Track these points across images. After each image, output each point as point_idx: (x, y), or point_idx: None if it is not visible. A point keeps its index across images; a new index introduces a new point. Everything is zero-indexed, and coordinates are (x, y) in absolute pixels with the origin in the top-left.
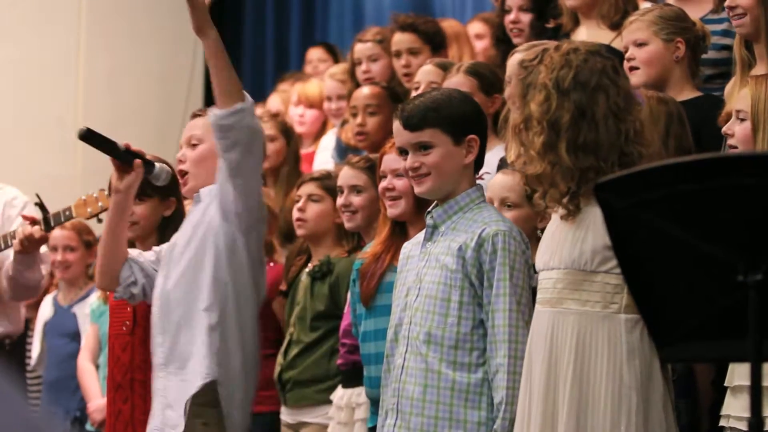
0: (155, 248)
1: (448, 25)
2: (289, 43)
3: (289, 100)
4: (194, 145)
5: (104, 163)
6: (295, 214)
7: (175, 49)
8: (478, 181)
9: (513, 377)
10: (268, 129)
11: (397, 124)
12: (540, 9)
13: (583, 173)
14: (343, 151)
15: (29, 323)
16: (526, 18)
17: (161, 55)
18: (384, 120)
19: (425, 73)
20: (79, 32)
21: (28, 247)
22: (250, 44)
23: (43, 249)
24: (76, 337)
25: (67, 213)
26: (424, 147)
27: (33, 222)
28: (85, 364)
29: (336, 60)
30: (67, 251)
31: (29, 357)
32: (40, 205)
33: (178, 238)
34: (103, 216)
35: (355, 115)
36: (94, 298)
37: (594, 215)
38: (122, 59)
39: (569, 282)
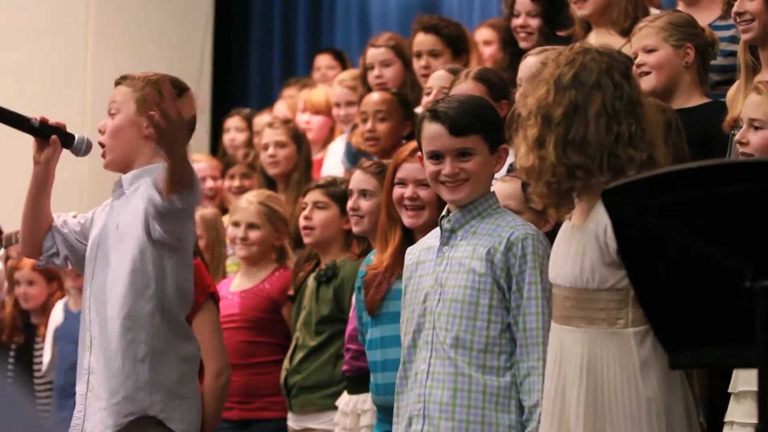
0: (80, 217)
1: None
2: (296, 49)
3: (296, 107)
4: (113, 115)
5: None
6: (302, 222)
7: (182, 55)
8: None
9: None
10: (279, 135)
11: (437, 128)
12: (548, 15)
13: (569, 170)
14: (353, 156)
15: (38, 329)
16: (534, 23)
17: (168, 62)
18: (394, 126)
19: (437, 78)
20: (87, 39)
21: None
22: (258, 50)
23: None
24: None
25: (18, 236)
26: (464, 153)
27: None
28: None
29: (344, 66)
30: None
31: (38, 363)
32: None
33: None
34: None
35: (365, 121)
36: None
37: (591, 231)
38: (129, 66)
39: (576, 300)
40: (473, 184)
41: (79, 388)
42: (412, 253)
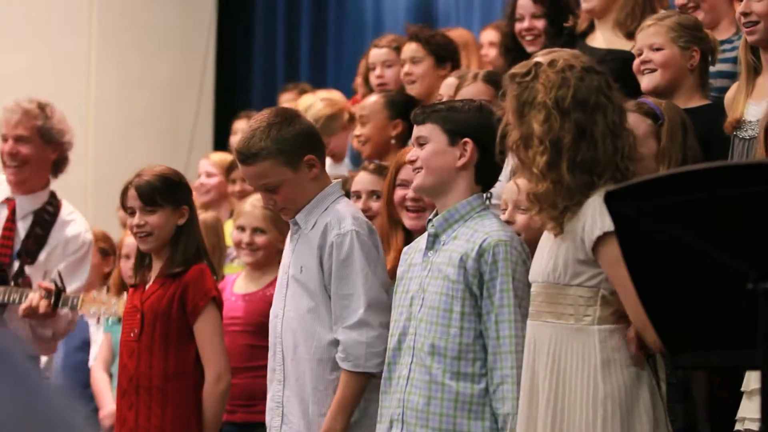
0: None
1: (457, 34)
2: (299, 51)
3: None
4: (272, 189)
5: (114, 174)
6: None
7: (185, 58)
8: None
9: (518, 388)
10: None
11: None
12: (553, 15)
13: (580, 190)
14: (356, 158)
15: None
16: (540, 24)
17: (171, 65)
18: (377, 127)
19: (448, 86)
20: (90, 44)
21: (31, 317)
22: (261, 53)
23: (64, 311)
24: (85, 345)
25: (74, 303)
26: (421, 143)
27: (47, 292)
28: (97, 373)
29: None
30: None
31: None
32: (58, 286)
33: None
34: (96, 319)
35: (363, 124)
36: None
37: (572, 228)
38: (132, 71)
39: (546, 295)
40: (425, 171)
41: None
42: (407, 253)
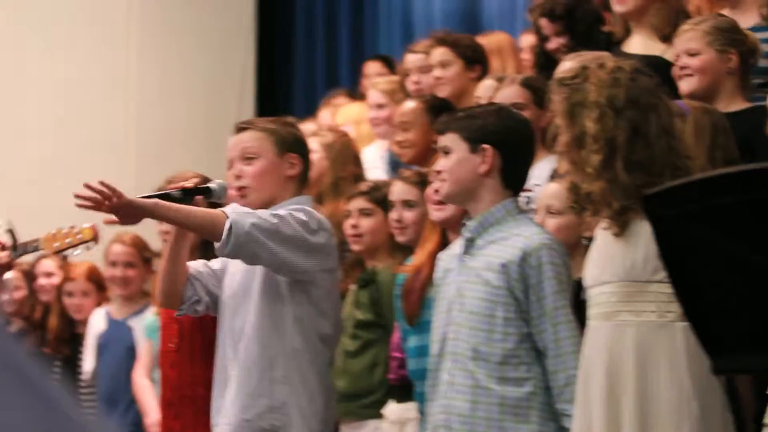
0: (213, 263)
1: (495, 38)
2: (339, 56)
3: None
4: (249, 159)
5: (156, 181)
6: (349, 230)
7: (225, 65)
8: (527, 194)
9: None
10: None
11: None
12: (572, 27)
13: (637, 190)
14: (394, 164)
15: (80, 338)
16: (564, 40)
17: (211, 73)
18: (420, 133)
19: (486, 88)
20: (129, 53)
21: None
22: (301, 58)
23: (9, 275)
24: (132, 350)
25: (35, 245)
26: (446, 152)
27: (2, 247)
28: (140, 380)
29: (393, 73)
30: (127, 267)
31: (81, 372)
32: (11, 232)
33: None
34: (69, 253)
35: (401, 131)
36: (149, 314)
37: (644, 227)
38: (172, 78)
39: (623, 294)
40: (449, 181)
41: None
42: (442, 259)
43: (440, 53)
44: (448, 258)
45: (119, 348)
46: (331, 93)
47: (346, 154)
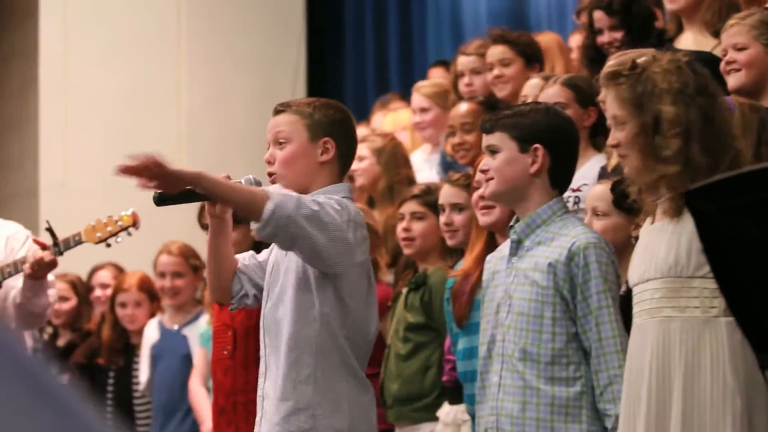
0: (260, 255)
1: (543, 38)
2: (388, 61)
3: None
4: (281, 144)
5: None
6: (401, 234)
7: (275, 72)
8: (576, 194)
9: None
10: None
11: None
12: (629, 23)
13: (705, 174)
14: (448, 165)
15: (134, 349)
16: (618, 35)
17: (262, 79)
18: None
19: (532, 86)
20: (179, 60)
21: (39, 272)
22: (351, 63)
23: (51, 276)
24: (187, 359)
25: (77, 238)
26: (493, 151)
27: (43, 247)
28: (196, 388)
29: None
30: (176, 277)
31: (136, 382)
32: (50, 231)
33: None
34: (111, 241)
35: (454, 134)
36: (203, 322)
37: (687, 222)
38: (224, 85)
39: (667, 290)
40: (497, 180)
41: None
42: (490, 262)
43: (500, 51)
44: (495, 260)
45: (174, 357)
46: (382, 97)
47: (397, 158)
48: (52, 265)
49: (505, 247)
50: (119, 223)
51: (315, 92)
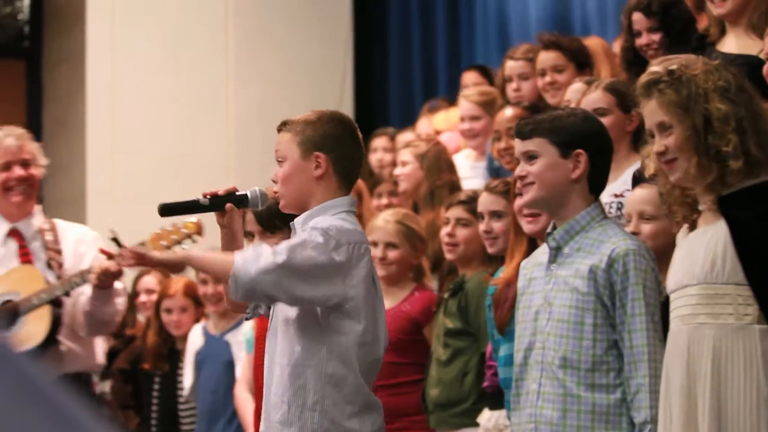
0: None
1: (589, 42)
2: (436, 65)
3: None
4: (280, 162)
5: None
6: (445, 238)
7: (322, 78)
8: (619, 199)
9: (654, 396)
10: (415, 152)
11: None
12: (668, 25)
13: (759, 170)
14: (495, 170)
15: (179, 354)
16: (656, 37)
17: (309, 86)
18: None
19: (575, 91)
20: (228, 67)
21: (105, 281)
22: (397, 68)
23: (119, 284)
24: (230, 365)
25: (142, 247)
26: (531, 157)
27: (109, 256)
28: (241, 394)
29: (491, 83)
30: (219, 283)
31: (181, 388)
32: (116, 240)
33: None
34: (176, 248)
35: (499, 139)
36: (248, 328)
37: (722, 229)
38: (271, 91)
39: (702, 297)
40: (538, 186)
41: None
42: (525, 268)
43: (552, 58)
44: (531, 267)
45: (217, 363)
46: (431, 102)
47: (439, 163)
48: (118, 274)
49: (540, 254)
50: (184, 230)
51: (362, 97)
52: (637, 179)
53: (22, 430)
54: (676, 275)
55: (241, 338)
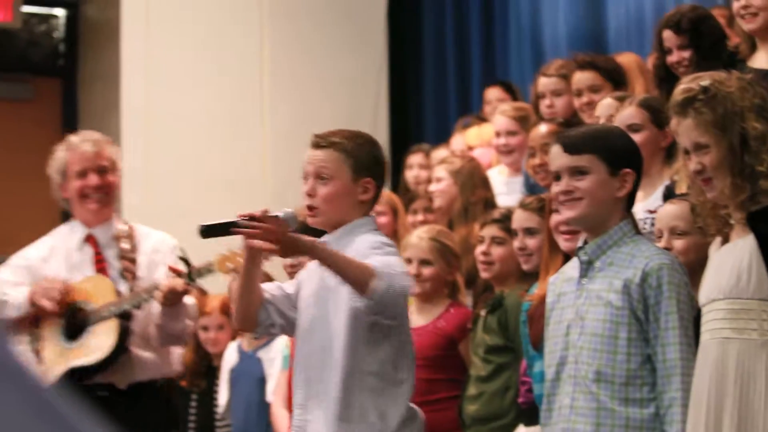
0: (286, 286)
1: (622, 59)
2: (470, 82)
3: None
4: (324, 179)
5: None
6: (480, 257)
7: (357, 94)
8: (653, 215)
9: (686, 410)
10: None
11: (555, 148)
12: (698, 42)
13: None
14: (531, 187)
15: (217, 371)
16: (687, 54)
17: (344, 102)
18: None
19: (605, 106)
20: (263, 82)
21: (171, 300)
22: (432, 85)
23: (190, 300)
24: (262, 382)
25: (209, 268)
26: (579, 172)
27: (177, 274)
28: (278, 410)
29: (515, 98)
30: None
31: (216, 405)
32: (184, 259)
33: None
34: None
35: (533, 155)
36: (283, 345)
37: (749, 244)
38: (305, 107)
39: (728, 311)
40: (587, 202)
41: None
42: (553, 284)
43: (588, 78)
44: (560, 282)
45: (249, 380)
46: (462, 119)
47: (474, 179)
48: (185, 293)
49: (568, 269)
50: None
51: (397, 114)
52: (668, 195)
53: None
54: (706, 289)
55: (272, 355)
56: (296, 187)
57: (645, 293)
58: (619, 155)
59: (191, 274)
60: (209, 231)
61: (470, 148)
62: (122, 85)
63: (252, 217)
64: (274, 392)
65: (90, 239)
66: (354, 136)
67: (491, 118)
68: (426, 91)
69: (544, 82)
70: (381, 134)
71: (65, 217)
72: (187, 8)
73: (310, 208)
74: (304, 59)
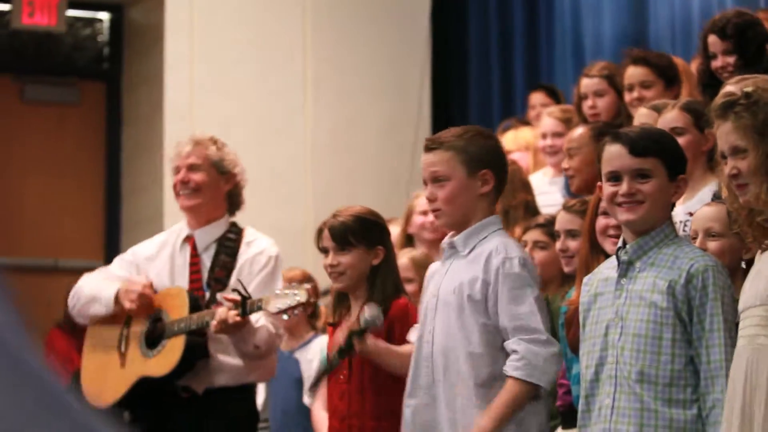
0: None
1: None
2: (514, 86)
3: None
4: (440, 182)
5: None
6: None
7: (401, 100)
8: (690, 218)
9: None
10: None
11: (617, 148)
12: (743, 47)
13: None
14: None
15: None
16: (732, 59)
17: (387, 108)
18: (585, 160)
19: (642, 116)
20: (305, 87)
21: (224, 331)
22: (476, 89)
23: (263, 321)
24: (299, 383)
25: (259, 304)
26: (643, 175)
27: (234, 304)
28: (318, 412)
29: (558, 102)
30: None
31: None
32: (239, 292)
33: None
34: (286, 315)
35: (570, 156)
36: (319, 346)
37: None
38: (348, 113)
39: (763, 318)
40: (649, 206)
41: None
42: (588, 284)
43: (641, 73)
44: (596, 282)
45: (287, 381)
46: (503, 122)
47: (514, 183)
48: (238, 326)
49: (604, 269)
50: (297, 297)
51: (439, 118)
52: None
53: None
54: (745, 295)
55: (310, 356)
56: (338, 190)
57: (689, 294)
58: (677, 160)
59: (244, 306)
60: (315, 386)
61: (507, 152)
62: (166, 88)
63: (339, 349)
64: (315, 394)
65: (189, 240)
66: (462, 131)
67: (535, 123)
68: (470, 94)
69: (587, 83)
70: (424, 138)
71: (110, 220)
72: (231, 12)
73: (435, 211)
74: (347, 62)
